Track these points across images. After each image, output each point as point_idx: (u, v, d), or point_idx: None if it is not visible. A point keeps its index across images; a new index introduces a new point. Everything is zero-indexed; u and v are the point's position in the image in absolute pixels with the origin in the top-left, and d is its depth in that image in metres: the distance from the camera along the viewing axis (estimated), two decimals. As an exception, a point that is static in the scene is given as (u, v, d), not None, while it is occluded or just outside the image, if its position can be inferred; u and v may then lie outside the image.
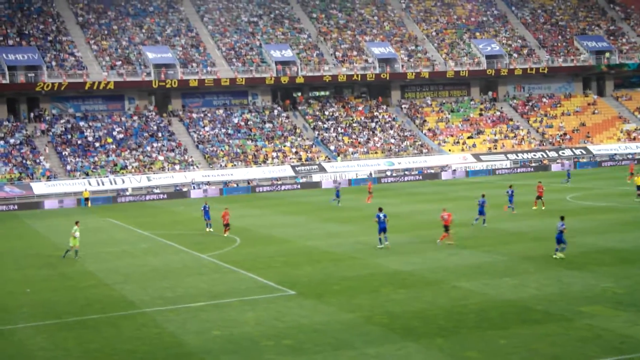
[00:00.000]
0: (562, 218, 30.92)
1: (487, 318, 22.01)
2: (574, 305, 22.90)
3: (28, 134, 76.76)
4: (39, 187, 69.29)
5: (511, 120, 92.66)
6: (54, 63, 80.00)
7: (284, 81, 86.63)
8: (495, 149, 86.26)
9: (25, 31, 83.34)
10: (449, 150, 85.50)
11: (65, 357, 20.23)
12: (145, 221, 52.23)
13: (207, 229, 44.31)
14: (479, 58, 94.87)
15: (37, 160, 73.01)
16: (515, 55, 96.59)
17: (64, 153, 75.00)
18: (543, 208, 46.14)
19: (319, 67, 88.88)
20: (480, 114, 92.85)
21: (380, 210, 35.20)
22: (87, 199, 67.13)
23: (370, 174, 78.05)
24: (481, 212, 40.58)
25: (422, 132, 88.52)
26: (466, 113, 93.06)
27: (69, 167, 73.15)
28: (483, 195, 41.75)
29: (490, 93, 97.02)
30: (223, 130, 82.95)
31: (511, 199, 46.14)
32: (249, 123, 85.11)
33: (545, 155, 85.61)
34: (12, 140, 75.12)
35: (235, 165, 77.65)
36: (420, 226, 41.89)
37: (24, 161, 72.53)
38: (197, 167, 76.41)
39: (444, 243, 34.79)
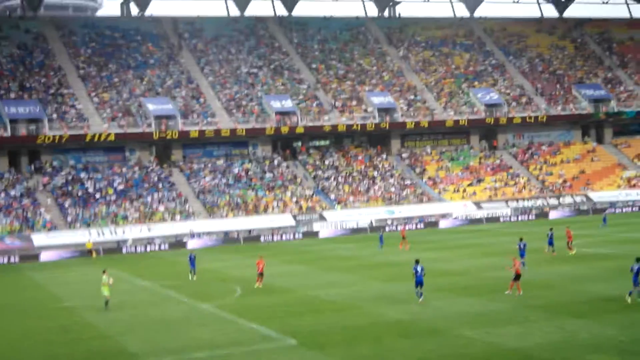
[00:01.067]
0: (638, 260, 30.16)
1: (491, 367, 21.83)
2: (579, 353, 22.71)
3: (29, 186, 76.88)
4: (40, 239, 69.17)
5: (511, 168, 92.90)
6: (55, 115, 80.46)
7: (284, 131, 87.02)
8: (496, 196, 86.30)
9: (27, 84, 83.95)
10: (450, 198, 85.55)
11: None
12: (146, 271, 52.06)
13: (191, 278, 45.19)
14: (479, 107, 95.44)
15: (38, 212, 73.01)
16: (514, 104, 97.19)
17: (65, 204, 75.02)
18: (571, 253, 46.42)
19: (318, 117, 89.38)
20: (480, 162, 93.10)
21: (417, 262, 33.08)
22: (89, 251, 67.05)
23: (371, 222, 78.03)
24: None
25: (422, 180, 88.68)
26: (466, 161, 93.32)
27: (69, 219, 73.12)
28: (521, 239, 42.97)
29: (489, 141, 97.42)
30: (224, 180, 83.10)
31: (551, 241, 46.90)
32: (249, 173, 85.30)
33: (545, 203, 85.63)
34: (12, 193, 75.20)
35: (235, 215, 77.63)
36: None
37: (25, 213, 72.53)
38: (197, 217, 76.37)
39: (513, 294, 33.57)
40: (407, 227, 72.14)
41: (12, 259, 65.75)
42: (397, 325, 28.45)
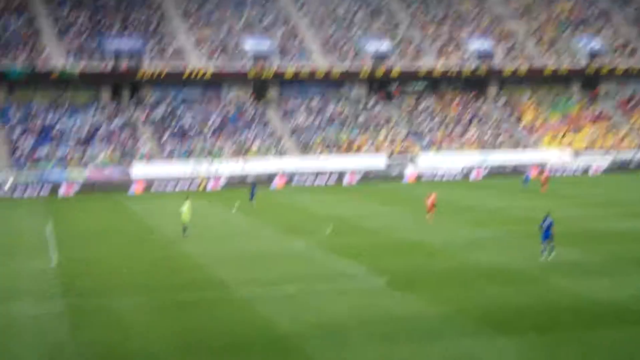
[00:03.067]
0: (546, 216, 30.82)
1: (582, 317, 21.62)
2: (673, 307, 22.29)
3: (129, 118, 78.81)
4: (138, 170, 71.04)
5: (611, 118, 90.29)
6: (155, 51, 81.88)
7: (379, 74, 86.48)
8: (594, 146, 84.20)
9: (129, 19, 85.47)
10: (546, 146, 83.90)
11: (161, 333, 20.78)
12: (241, 206, 52.89)
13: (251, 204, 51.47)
14: (580, 55, 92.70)
15: (137, 144, 74.91)
16: (617, 53, 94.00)
17: (163, 137, 76.74)
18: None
19: (415, 60, 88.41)
20: (579, 111, 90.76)
21: (546, 216, 31.09)
22: (200, 182, 69.31)
23: (463, 167, 77.36)
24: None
25: (518, 127, 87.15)
26: (565, 110, 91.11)
27: (167, 152, 74.83)
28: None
29: (590, 90, 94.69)
30: (318, 120, 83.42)
31: None
32: (343, 114, 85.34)
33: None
34: (113, 124, 77.27)
35: (329, 155, 77.99)
36: (513, 221, 41.30)
37: (125, 144, 74.51)
38: (290, 155, 77.06)
39: None
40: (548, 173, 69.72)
41: (110, 188, 67.69)
42: (487, 270, 28.36)
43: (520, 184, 61.83)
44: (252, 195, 52.90)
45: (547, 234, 30.60)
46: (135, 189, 68.08)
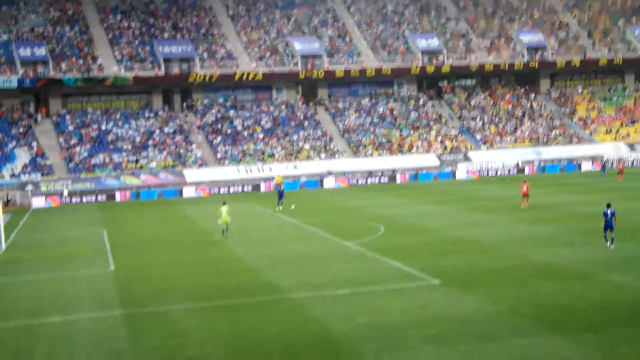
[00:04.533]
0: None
1: (640, 314, 21.22)
2: None
3: (181, 123, 79.62)
4: (191, 174, 71.76)
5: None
6: (205, 55, 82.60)
7: (430, 70, 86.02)
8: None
9: (180, 24, 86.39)
10: (601, 139, 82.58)
11: (216, 338, 20.93)
12: (296, 207, 53.02)
13: (277, 208, 52.08)
14: (635, 45, 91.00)
15: (190, 149, 75.65)
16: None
17: (214, 142, 77.38)
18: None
19: (465, 56, 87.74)
20: (635, 103, 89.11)
21: (609, 206, 31.35)
22: (279, 184, 69.11)
23: (517, 163, 76.55)
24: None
25: (572, 120, 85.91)
26: (619, 101, 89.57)
27: (219, 155, 75.42)
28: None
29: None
30: (368, 120, 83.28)
31: None
32: (394, 112, 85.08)
33: None
34: (166, 129, 78.15)
35: (380, 154, 77.84)
36: (569, 218, 40.72)
37: (178, 149, 75.31)
38: (342, 155, 77.08)
39: None
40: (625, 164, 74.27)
41: (164, 193, 68.59)
42: (543, 268, 27.99)
43: (599, 175, 65.68)
44: (280, 197, 53.43)
45: (609, 224, 30.90)
46: (189, 193, 68.75)
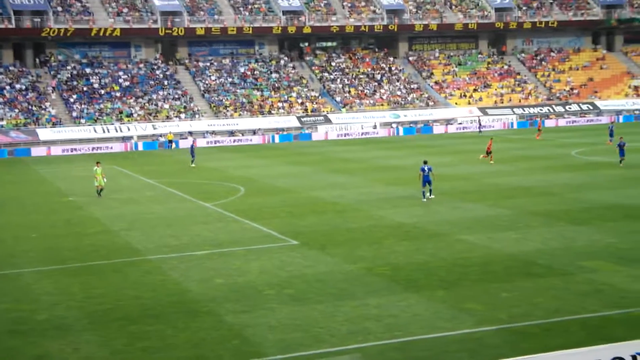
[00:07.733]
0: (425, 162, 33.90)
1: (489, 271, 22.11)
2: (576, 260, 22.98)
3: (34, 79, 76.54)
4: (45, 133, 69.31)
5: (519, 74, 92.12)
6: (60, 8, 79.45)
7: (291, 31, 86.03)
8: (502, 102, 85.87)
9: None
10: (456, 103, 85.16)
11: (70, 302, 20.42)
12: (151, 169, 52.38)
13: (191, 164, 52.47)
14: (489, 10, 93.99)
15: (43, 107, 72.92)
16: (524, 8, 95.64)
17: (70, 99, 74.87)
18: (491, 162, 47.37)
19: (326, 18, 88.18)
20: (488, 68, 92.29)
21: (425, 163, 34.28)
22: (170, 142, 68.21)
23: (375, 125, 77.95)
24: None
25: (429, 84, 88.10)
26: (474, 66, 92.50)
27: (74, 114, 73.09)
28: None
29: (498, 47, 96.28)
30: (229, 80, 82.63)
31: (611, 133, 55.44)
32: (255, 73, 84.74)
33: (552, 110, 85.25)
34: (18, 86, 74.97)
35: (241, 115, 77.49)
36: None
37: (30, 107, 72.45)
38: (202, 116, 76.27)
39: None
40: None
41: (17, 153, 66.05)
42: (398, 228, 28.73)
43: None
44: (192, 154, 53.57)
45: (427, 179, 33.97)
46: (43, 152, 66.44)
